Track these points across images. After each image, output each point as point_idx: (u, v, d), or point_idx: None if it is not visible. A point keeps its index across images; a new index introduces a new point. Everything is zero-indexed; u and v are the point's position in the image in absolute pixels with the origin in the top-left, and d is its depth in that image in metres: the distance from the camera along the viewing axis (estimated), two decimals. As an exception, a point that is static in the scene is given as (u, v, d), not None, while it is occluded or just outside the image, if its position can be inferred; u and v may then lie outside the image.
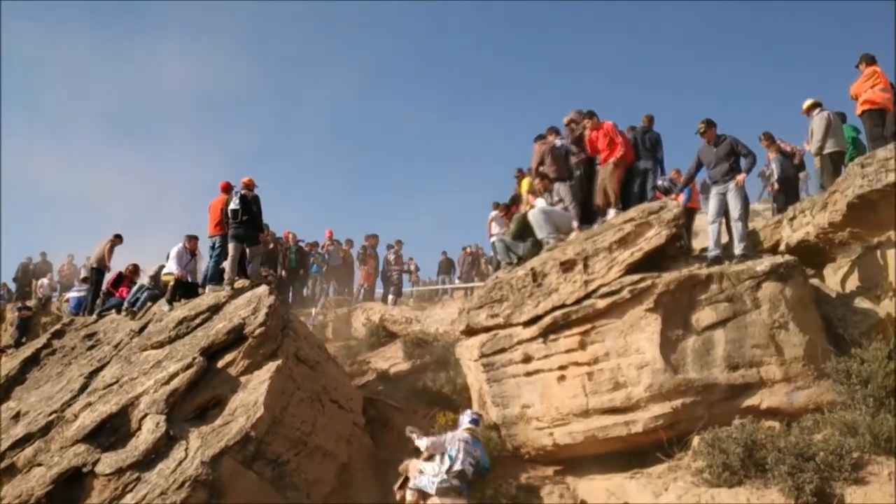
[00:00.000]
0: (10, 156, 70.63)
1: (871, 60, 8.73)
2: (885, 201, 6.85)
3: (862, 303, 7.11)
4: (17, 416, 7.86)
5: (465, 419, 6.37)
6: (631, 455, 6.81)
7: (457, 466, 5.79)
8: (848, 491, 5.19)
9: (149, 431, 6.72)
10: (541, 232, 8.77)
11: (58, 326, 11.29)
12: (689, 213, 9.75)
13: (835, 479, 5.29)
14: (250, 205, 9.62)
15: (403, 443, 7.11)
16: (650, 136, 9.61)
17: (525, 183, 10.95)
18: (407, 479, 6.25)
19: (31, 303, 16.47)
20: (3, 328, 16.55)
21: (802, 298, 6.76)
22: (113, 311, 10.77)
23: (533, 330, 7.48)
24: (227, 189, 10.03)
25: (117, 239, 12.47)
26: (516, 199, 11.50)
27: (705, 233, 8.41)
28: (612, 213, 8.62)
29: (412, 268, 18.90)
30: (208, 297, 9.21)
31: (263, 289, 8.79)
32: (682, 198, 9.05)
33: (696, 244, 9.59)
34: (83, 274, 15.71)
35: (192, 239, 10.80)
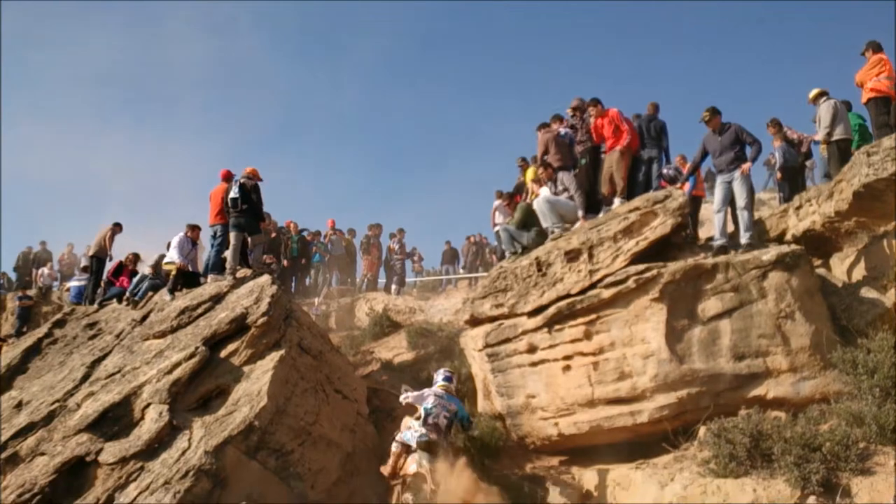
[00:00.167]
0: (10, 143, 70.32)
1: (877, 48, 8.63)
2: (892, 190, 6.80)
3: (868, 292, 7.07)
4: (19, 406, 7.84)
5: (438, 377, 6.79)
6: (636, 445, 6.80)
7: (431, 420, 6.19)
8: (854, 481, 5.17)
9: (152, 421, 6.71)
10: (546, 221, 8.70)
11: (59, 316, 11.25)
12: (695, 201, 9.68)
13: (841, 469, 5.27)
14: (249, 194, 9.54)
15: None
16: (655, 124, 9.50)
17: (529, 172, 10.87)
18: None
19: (32, 292, 16.42)
20: (3, 317, 16.52)
21: (809, 288, 6.72)
22: (114, 300, 10.73)
23: (538, 320, 7.45)
24: (228, 178, 9.94)
25: (117, 227, 12.40)
26: (520, 189, 11.42)
27: (711, 222, 8.35)
28: (617, 202, 8.55)
29: (416, 257, 18.85)
30: (210, 286, 9.17)
31: (266, 278, 8.75)
32: (687, 186, 8.98)
33: (702, 233, 9.54)
34: (83, 263, 15.66)
35: (194, 228, 10.74)
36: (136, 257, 11.54)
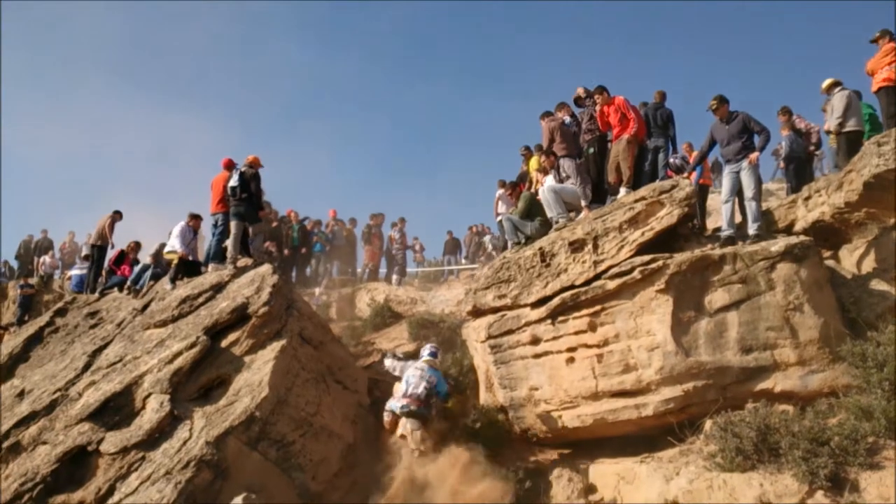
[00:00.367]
0: (11, 130, 70.08)
1: (892, 37, 8.47)
2: (902, 181, 6.68)
3: (878, 284, 6.97)
4: (21, 394, 7.83)
5: (424, 352, 7.43)
6: (641, 439, 6.71)
7: (410, 390, 6.87)
8: (862, 476, 5.09)
9: (153, 411, 6.68)
10: (551, 211, 8.60)
11: (60, 304, 11.24)
12: (702, 189, 9.56)
13: (849, 463, 5.18)
14: (249, 182, 9.47)
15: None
16: (662, 113, 9.37)
17: (533, 161, 10.75)
18: None
19: (34, 280, 16.41)
20: (5, 306, 16.52)
21: (818, 280, 6.62)
22: (115, 289, 10.69)
23: (541, 311, 7.36)
24: (230, 166, 9.88)
25: (117, 215, 12.38)
26: (523, 178, 11.30)
27: (718, 212, 8.24)
28: (623, 191, 8.43)
29: (417, 247, 18.76)
30: (211, 275, 9.12)
31: (266, 268, 8.69)
32: (693, 175, 8.86)
33: (710, 223, 9.42)
34: (84, 251, 15.62)
35: (196, 217, 10.67)
36: (137, 246, 11.51)
